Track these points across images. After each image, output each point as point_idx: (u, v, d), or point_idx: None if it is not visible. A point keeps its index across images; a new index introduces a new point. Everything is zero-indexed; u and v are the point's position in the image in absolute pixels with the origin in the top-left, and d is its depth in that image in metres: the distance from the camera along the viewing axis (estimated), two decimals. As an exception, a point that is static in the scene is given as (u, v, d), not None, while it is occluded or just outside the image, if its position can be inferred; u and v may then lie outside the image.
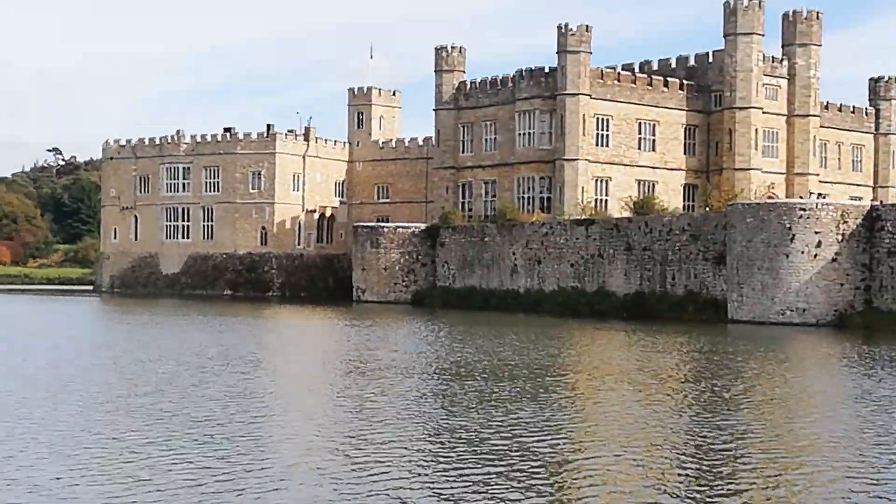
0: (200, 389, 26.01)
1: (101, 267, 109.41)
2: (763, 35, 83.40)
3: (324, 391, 26.56)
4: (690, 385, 28.55)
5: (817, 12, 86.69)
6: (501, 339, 43.91)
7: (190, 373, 29.70)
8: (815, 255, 55.18)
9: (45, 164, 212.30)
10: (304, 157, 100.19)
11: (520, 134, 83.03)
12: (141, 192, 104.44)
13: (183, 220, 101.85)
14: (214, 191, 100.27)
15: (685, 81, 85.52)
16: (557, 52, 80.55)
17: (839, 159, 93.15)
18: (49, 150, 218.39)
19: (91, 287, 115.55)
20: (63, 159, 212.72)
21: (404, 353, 36.82)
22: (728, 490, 15.96)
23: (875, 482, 16.64)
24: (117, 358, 34.03)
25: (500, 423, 21.29)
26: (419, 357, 35.41)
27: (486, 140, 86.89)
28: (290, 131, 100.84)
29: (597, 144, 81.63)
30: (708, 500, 15.37)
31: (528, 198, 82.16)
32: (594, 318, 62.66)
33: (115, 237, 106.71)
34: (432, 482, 16.14)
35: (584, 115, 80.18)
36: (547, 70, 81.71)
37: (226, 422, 21.08)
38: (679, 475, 16.94)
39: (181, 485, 15.78)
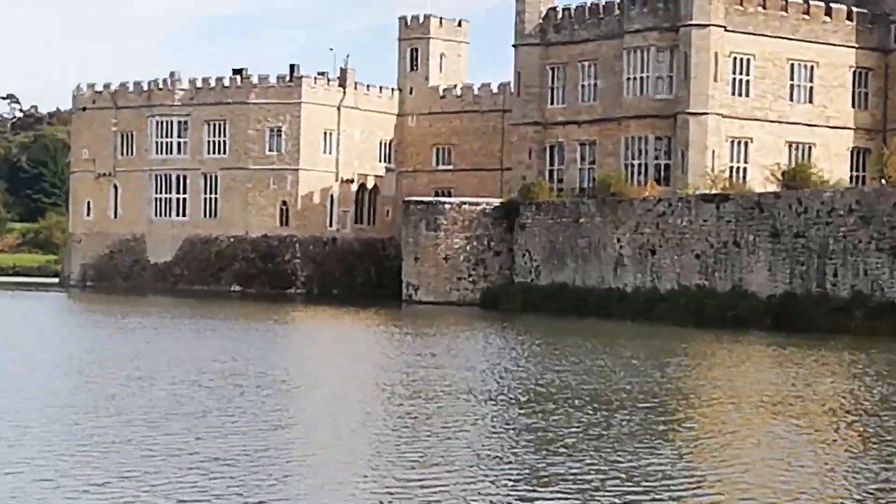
0: (206, 425, 26.09)
1: (70, 253, 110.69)
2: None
3: (374, 427, 26.43)
4: (869, 420, 28.09)
5: None
6: (605, 355, 43.77)
7: (193, 401, 29.78)
8: None
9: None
10: (339, 109, 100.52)
11: (629, 79, 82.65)
12: (123, 153, 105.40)
13: (178, 192, 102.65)
14: (220, 153, 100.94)
15: (855, 9, 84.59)
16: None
17: None
18: (2, 98, 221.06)
19: (56, 279, 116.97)
20: (20, 110, 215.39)
21: (478, 374, 36.66)
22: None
23: None
24: (91, 379, 34.26)
25: (613, 470, 21.08)
26: (498, 379, 35.22)
27: (583, 87, 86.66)
28: (321, 74, 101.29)
29: (733, 94, 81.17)
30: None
31: (640, 165, 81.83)
32: (727, 327, 62.16)
33: (88, 213, 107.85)
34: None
35: (716, 54, 79.65)
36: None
37: (245, 473, 20.96)
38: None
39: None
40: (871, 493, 19.50)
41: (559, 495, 18.96)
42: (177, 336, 51.08)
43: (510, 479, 20.16)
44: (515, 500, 18.64)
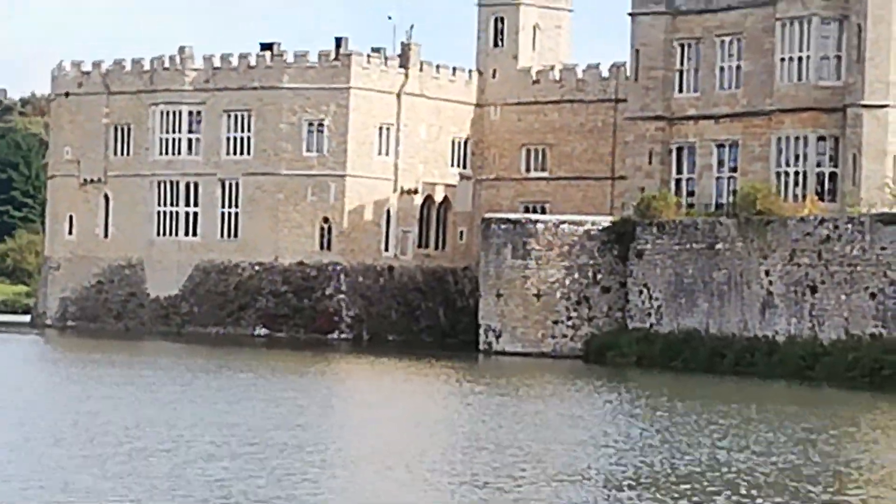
0: None
1: (46, 284, 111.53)
2: None
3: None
4: None
5: None
6: (748, 430, 43.72)
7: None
8: None
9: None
10: (398, 97, 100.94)
11: (783, 59, 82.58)
12: (117, 153, 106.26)
13: (187, 205, 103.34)
14: (242, 153, 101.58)
15: None
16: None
17: None
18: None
19: (28, 317, 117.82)
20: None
21: (596, 454, 36.77)
22: None
23: None
24: (85, 454, 34.57)
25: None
26: (623, 460, 35.40)
27: (722, 70, 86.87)
28: (377, 51, 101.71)
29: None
30: None
31: (797, 173, 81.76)
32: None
33: (70, 232, 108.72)
34: None
35: (900, 28, 79.47)
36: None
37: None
38: None
39: None
40: None
41: None
42: (189, 398, 51.31)
43: None
44: None
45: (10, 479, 28.75)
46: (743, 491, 30.03)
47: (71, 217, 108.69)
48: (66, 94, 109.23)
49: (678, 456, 35.90)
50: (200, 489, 27.86)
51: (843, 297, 71.98)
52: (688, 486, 30.45)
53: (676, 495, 29.26)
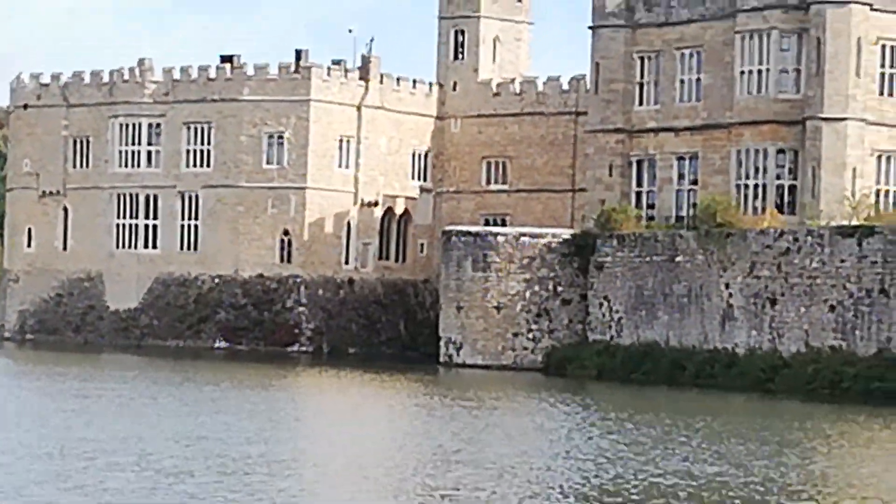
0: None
1: (5, 296, 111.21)
2: None
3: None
4: None
5: None
6: (708, 442, 43.96)
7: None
8: None
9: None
10: (359, 109, 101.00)
11: (743, 73, 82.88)
12: (76, 165, 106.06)
13: (147, 217, 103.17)
14: (202, 165, 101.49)
15: None
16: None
17: None
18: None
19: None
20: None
21: (555, 468, 36.94)
22: None
23: None
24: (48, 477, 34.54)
25: None
26: (554, 469, 35.58)
27: (682, 83, 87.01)
28: (337, 63, 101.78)
29: (881, 93, 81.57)
30: None
31: (756, 186, 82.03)
32: (871, 403, 62.33)
33: (28, 244, 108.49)
34: None
35: (858, 41, 79.91)
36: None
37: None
38: None
39: None
40: None
41: None
42: (157, 412, 51.25)
43: None
44: None
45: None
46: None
47: (30, 229, 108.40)
48: (25, 107, 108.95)
49: (651, 468, 36.09)
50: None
51: (803, 309, 72.30)
52: (663, 500, 30.61)
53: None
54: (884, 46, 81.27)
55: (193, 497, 28.87)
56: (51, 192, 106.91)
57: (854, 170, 79.73)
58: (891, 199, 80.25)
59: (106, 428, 42.79)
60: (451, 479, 33.21)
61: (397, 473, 34.52)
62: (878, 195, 79.76)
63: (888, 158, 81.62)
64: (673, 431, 46.70)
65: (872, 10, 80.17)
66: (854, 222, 72.74)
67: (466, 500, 29.96)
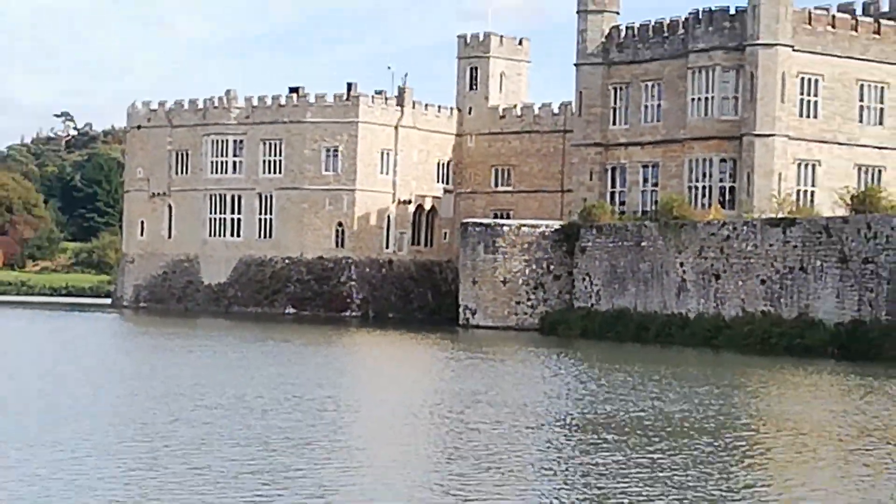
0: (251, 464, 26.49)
1: (124, 273, 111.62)
2: None
3: (434, 446, 26.92)
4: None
5: None
6: (665, 385, 43.81)
7: (238, 425, 30.24)
8: None
9: (51, 135, 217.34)
10: (396, 129, 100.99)
11: (693, 99, 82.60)
12: (178, 172, 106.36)
13: (233, 213, 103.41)
14: (275, 172, 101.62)
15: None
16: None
17: None
18: (56, 116, 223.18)
19: (109, 300, 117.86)
20: (74, 127, 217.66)
21: (530, 402, 36.99)
22: None
23: None
24: (157, 402, 34.77)
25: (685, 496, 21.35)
26: (557, 406, 35.68)
27: (646, 107, 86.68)
28: (379, 93, 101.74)
29: (801, 115, 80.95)
30: None
31: (704, 187, 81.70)
32: (793, 355, 62.01)
33: (141, 234, 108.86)
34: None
35: (783, 74, 79.52)
36: (733, 11, 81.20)
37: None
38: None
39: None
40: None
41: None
42: (240, 363, 51.45)
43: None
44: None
45: (129, 422, 29.15)
46: (683, 433, 30.36)
47: (142, 222, 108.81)
48: (139, 127, 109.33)
49: (631, 406, 36.13)
50: (269, 435, 28.15)
51: (740, 282, 72.20)
52: (642, 430, 30.69)
53: (638, 435, 29.54)
54: (802, 79, 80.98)
55: (281, 429, 29.06)
56: (159, 194, 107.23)
57: (779, 175, 79.49)
58: (808, 198, 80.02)
59: (208, 377, 42.98)
60: (476, 414, 33.33)
61: (435, 410, 34.62)
62: (797, 194, 79.53)
63: (806, 165, 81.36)
64: (644, 378, 46.64)
65: (794, 50, 79.86)
66: (780, 215, 72.53)
67: (490, 431, 30.02)
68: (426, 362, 56.56)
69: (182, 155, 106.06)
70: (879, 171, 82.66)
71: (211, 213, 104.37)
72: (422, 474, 23.65)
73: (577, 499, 21.45)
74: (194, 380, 41.03)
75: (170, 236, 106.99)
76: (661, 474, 23.89)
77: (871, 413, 36.09)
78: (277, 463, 24.03)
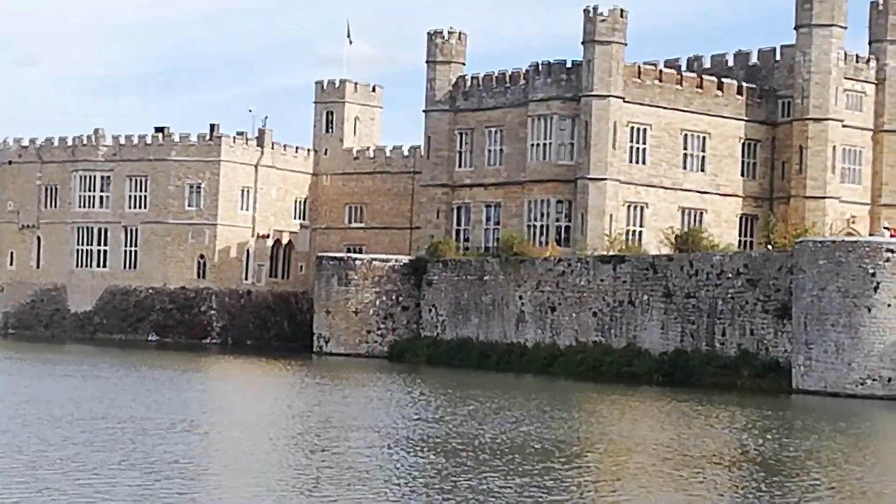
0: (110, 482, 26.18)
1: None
2: (846, 28, 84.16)
3: (280, 477, 26.70)
4: (731, 470, 28.72)
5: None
6: (504, 409, 44.07)
7: (98, 447, 29.87)
8: (905, 310, 55.46)
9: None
10: (256, 168, 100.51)
11: (533, 145, 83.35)
12: (47, 206, 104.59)
13: (99, 244, 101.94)
14: (140, 207, 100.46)
15: (745, 84, 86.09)
16: (583, 43, 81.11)
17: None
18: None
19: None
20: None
21: (368, 420, 37.07)
22: None
23: None
24: (20, 420, 34.18)
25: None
26: (399, 430, 35.66)
27: (489, 151, 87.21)
28: (240, 134, 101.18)
29: (630, 161, 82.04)
30: None
31: (542, 226, 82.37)
32: (622, 382, 62.89)
33: (11, 263, 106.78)
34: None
35: (615, 123, 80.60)
36: (569, 64, 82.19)
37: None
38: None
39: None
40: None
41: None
42: (95, 383, 50.76)
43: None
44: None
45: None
46: (527, 452, 30.55)
47: (12, 252, 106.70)
48: (10, 162, 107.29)
49: (482, 427, 36.27)
50: (136, 457, 27.70)
51: (574, 314, 72.94)
52: (494, 449, 30.85)
53: (488, 455, 29.65)
54: (632, 128, 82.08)
55: (146, 452, 28.69)
56: (28, 226, 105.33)
57: (611, 215, 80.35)
58: (636, 237, 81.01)
59: (71, 395, 42.42)
60: (327, 435, 33.31)
61: (286, 431, 34.55)
62: (627, 234, 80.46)
63: (635, 207, 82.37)
64: (491, 402, 46.90)
65: (625, 101, 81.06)
66: (610, 253, 73.40)
67: (339, 451, 30.00)
68: (279, 386, 56.28)
69: (51, 189, 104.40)
70: (701, 214, 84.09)
71: (78, 244, 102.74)
72: (280, 491, 23.57)
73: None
74: (63, 403, 40.36)
75: (38, 266, 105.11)
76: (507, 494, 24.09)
77: (693, 435, 36.76)
78: (144, 484, 23.70)
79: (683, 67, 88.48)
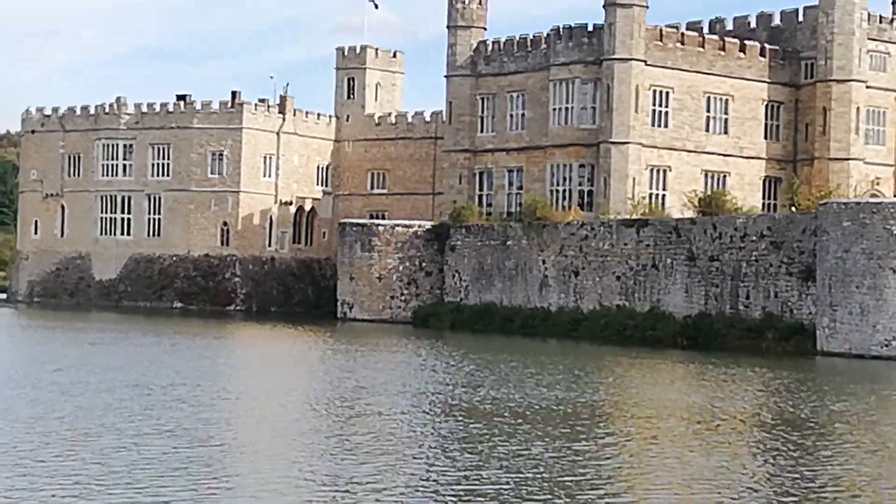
0: (138, 451, 26.13)
1: (18, 270, 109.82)
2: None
3: (304, 446, 26.60)
4: (766, 433, 28.62)
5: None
6: (533, 373, 44.03)
7: (125, 416, 29.88)
8: (931, 271, 55.24)
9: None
10: (278, 135, 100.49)
11: (555, 109, 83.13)
12: (70, 174, 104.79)
13: (123, 212, 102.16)
14: (163, 175, 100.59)
15: (767, 46, 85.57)
16: (604, 6, 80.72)
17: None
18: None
19: (4, 295, 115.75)
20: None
21: (396, 386, 37.05)
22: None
23: None
24: (37, 388, 34.21)
25: (531, 479, 21.38)
26: (416, 391, 35.72)
27: (511, 116, 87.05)
28: (262, 101, 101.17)
29: (653, 125, 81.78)
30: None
31: (564, 191, 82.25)
32: (645, 345, 62.80)
33: (35, 232, 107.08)
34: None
35: (637, 87, 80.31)
36: (590, 28, 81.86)
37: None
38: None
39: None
40: (760, 490, 19.99)
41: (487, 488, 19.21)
42: (114, 348, 50.83)
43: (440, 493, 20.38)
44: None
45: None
46: (559, 416, 30.55)
47: (36, 221, 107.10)
48: (33, 132, 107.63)
49: (503, 391, 36.27)
50: (176, 425, 27.80)
51: (598, 279, 72.90)
52: (527, 413, 30.89)
53: (522, 420, 29.64)
54: (654, 91, 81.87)
55: (177, 420, 28.78)
56: (52, 194, 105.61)
57: (634, 179, 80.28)
58: (659, 200, 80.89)
59: (101, 363, 42.46)
60: (360, 401, 33.26)
61: (319, 397, 34.54)
62: (650, 197, 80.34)
63: (657, 171, 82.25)
64: (517, 366, 46.89)
65: (647, 65, 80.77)
66: (633, 217, 73.29)
67: (373, 417, 29.97)
68: (311, 353, 56.27)
69: (74, 158, 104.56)
70: (724, 177, 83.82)
71: (102, 212, 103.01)
72: (315, 456, 23.53)
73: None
74: (95, 371, 40.40)
75: (62, 235, 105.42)
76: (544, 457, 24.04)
77: (723, 397, 36.68)
78: (181, 452, 23.65)
79: (706, 30, 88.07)
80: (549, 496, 19.99)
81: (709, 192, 76.07)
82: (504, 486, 20.61)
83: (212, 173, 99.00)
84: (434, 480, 21.12)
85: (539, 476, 21.74)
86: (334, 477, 21.23)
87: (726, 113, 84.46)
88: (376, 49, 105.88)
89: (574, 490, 20.60)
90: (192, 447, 23.95)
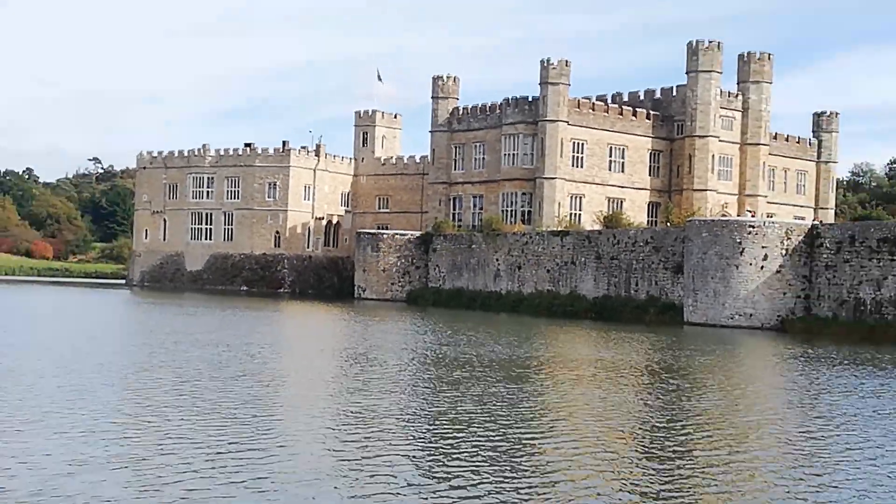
0: (223, 368, 26.21)
1: (133, 263, 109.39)
2: (721, 73, 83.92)
3: (328, 371, 26.82)
4: (652, 377, 28.85)
5: (769, 54, 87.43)
6: (484, 335, 44.05)
7: (213, 355, 29.88)
8: (762, 267, 55.51)
9: (86, 172, 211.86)
10: (314, 171, 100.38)
11: (505, 154, 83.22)
12: (170, 198, 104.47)
13: (206, 224, 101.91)
14: (235, 198, 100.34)
15: (651, 112, 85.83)
16: (540, 84, 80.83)
17: (785, 183, 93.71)
18: (90, 160, 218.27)
19: (123, 281, 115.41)
20: (102, 168, 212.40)
21: (398, 344, 37.08)
22: (678, 467, 16.25)
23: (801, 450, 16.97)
24: (143, 345, 34.20)
25: (495, 410, 21.50)
26: (412, 348, 35.70)
27: (475, 159, 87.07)
28: (303, 147, 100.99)
29: (573, 165, 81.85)
30: (662, 480, 15.64)
31: (511, 211, 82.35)
32: (566, 318, 62.93)
33: (146, 237, 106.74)
34: (419, 451, 16.38)
35: (562, 140, 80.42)
36: (530, 99, 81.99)
37: (239, 401, 21.31)
38: (635, 449, 17.20)
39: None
40: (640, 413, 20.17)
41: (442, 416, 19.33)
42: (206, 316, 50.67)
43: (413, 411, 20.50)
44: (416, 420, 18.99)
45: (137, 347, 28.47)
46: (511, 365, 30.50)
47: (146, 230, 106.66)
48: (144, 168, 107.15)
49: (478, 349, 36.13)
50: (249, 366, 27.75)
51: (534, 271, 73.03)
52: (488, 364, 30.78)
53: (485, 369, 29.52)
54: (574, 143, 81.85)
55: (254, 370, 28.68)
56: (157, 212, 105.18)
57: (559, 203, 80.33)
58: (577, 218, 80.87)
59: (196, 329, 42.37)
60: (372, 355, 33.22)
61: (345, 351, 34.43)
62: (570, 216, 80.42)
63: (576, 197, 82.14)
64: (478, 332, 46.80)
65: (569, 125, 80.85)
66: (559, 229, 73.46)
67: (376, 364, 29.92)
68: (338, 322, 56.06)
69: (173, 186, 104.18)
70: (621, 202, 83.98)
71: (192, 224, 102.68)
72: (339, 389, 23.60)
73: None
74: (193, 333, 40.30)
75: (164, 239, 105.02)
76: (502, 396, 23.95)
77: (621, 353, 36.84)
78: (255, 388, 23.67)
79: (609, 101, 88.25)
80: (509, 420, 20.13)
81: (610, 213, 76.29)
82: (475, 416, 20.75)
83: (268, 197, 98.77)
84: (428, 411, 21.22)
85: (500, 406, 21.90)
86: (358, 405, 21.42)
87: (623, 158, 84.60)
88: (382, 112, 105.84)
89: (525, 415, 20.76)
90: (263, 383, 24.06)
